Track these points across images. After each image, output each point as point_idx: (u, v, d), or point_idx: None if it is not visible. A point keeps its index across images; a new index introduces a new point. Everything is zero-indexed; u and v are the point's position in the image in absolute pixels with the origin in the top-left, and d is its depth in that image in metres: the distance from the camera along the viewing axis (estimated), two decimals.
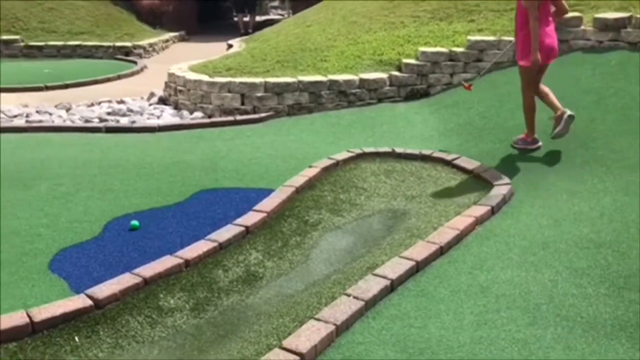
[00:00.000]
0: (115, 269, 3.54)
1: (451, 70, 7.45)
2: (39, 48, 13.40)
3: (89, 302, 3.08)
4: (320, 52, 8.04)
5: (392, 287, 3.32)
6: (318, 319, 2.93)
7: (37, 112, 7.93)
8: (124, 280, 3.29)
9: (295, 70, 7.63)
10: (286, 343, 2.73)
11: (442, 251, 3.73)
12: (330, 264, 3.84)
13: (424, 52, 7.48)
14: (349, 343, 2.85)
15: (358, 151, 5.52)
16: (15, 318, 2.89)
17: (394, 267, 3.46)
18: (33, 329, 2.88)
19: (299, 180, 4.80)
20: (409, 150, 5.62)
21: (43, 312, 2.96)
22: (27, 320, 2.89)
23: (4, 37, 13.44)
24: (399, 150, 5.63)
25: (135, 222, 4.10)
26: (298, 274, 3.72)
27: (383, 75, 7.41)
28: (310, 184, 4.82)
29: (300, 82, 7.21)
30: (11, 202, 4.51)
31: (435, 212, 4.45)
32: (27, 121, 7.39)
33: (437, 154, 5.52)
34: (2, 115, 7.76)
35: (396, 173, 5.25)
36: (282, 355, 2.63)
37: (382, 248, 3.93)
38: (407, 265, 3.48)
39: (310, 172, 4.96)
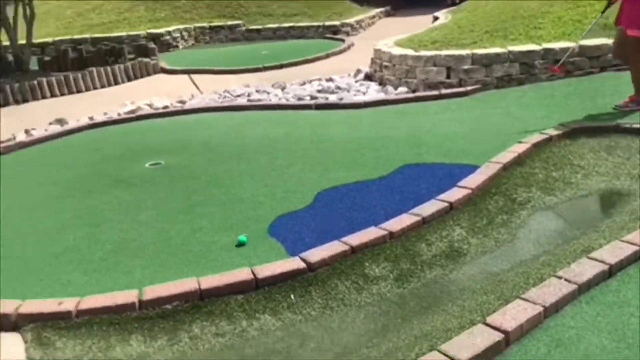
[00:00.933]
0: (324, 236, 3.77)
1: None
2: (258, 31, 14.64)
3: (303, 265, 3.34)
4: (533, 19, 7.56)
5: (610, 272, 3.05)
6: (525, 299, 2.83)
7: (257, 91, 8.71)
8: (333, 247, 3.50)
9: (505, 40, 7.28)
10: (490, 320, 2.68)
11: None
12: (539, 244, 3.65)
13: None
14: (558, 326, 2.71)
15: (575, 125, 5.12)
16: (243, 273, 3.27)
17: (614, 252, 3.17)
18: (256, 284, 3.23)
19: (507, 156, 4.61)
20: (636, 124, 5.05)
21: (265, 270, 3.30)
22: (252, 276, 3.25)
23: (229, 22, 14.92)
24: (624, 124, 5.09)
25: (243, 238, 3.79)
26: (504, 253, 3.62)
27: (608, 41, 6.72)
28: (519, 161, 4.60)
29: (510, 52, 6.87)
30: (237, 173, 5.05)
31: None
32: (248, 100, 8.17)
33: None
34: (228, 95, 8.68)
35: (620, 149, 4.77)
36: (486, 332, 2.59)
37: (599, 231, 3.62)
38: (630, 250, 3.17)
39: (520, 148, 4.73)
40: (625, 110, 5.45)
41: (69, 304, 3.08)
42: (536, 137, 4.91)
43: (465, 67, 7.03)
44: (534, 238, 3.75)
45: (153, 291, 3.15)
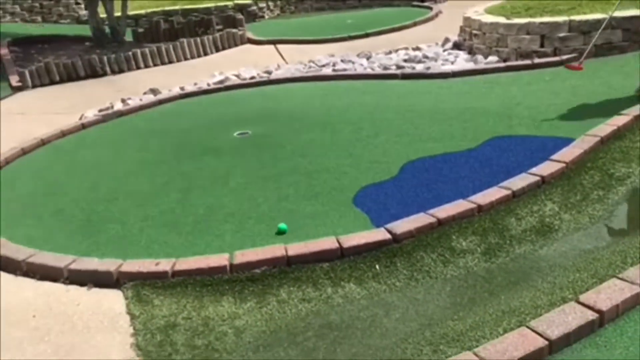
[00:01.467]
0: (410, 207, 3.75)
1: None
2: (343, 0, 14.47)
3: (388, 236, 3.35)
4: None
5: None
6: (621, 279, 2.71)
7: (342, 61, 8.67)
8: (419, 219, 3.48)
9: (607, 4, 6.82)
10: (583, 298, 2.59)
11: None
12: (638, 222, 3.46)
13: None
14: None
15: None
16: (328, 242, 3.32)
17: None
18: (342, 253, 3.27)
19: (604, 129, 4.37)
20: None
21: (350, 240, 3.33)
22: (337, 245, 3.29)
23: None
24: None
25: (283, 226, 3.65)
26: (599, 230, 3.46)
27: None
28: (618, 134, 4.35)
29: (612, 18, 6.43)
30: (322, 143, 5.09)
31: None
32: (333, 70, 8.15)
33: None
34: (313, 65, 8.70)
35: None
36: (579, 310, 2.51)
37: None
38: None
39: (620, 121, 4.46)
40: None
41: (165, 265, 3.26)
42: (638, 109, 4.61)
43: (561, 34, 6.67)
44: (632, 216, 3.56)
45: (243, 256, 3.27)
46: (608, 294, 2.61)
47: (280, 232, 3.62)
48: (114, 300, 3.14)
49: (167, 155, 5.30)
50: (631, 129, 4.42)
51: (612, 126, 4.40)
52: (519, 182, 3.82)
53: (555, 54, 6.71)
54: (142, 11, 14.40)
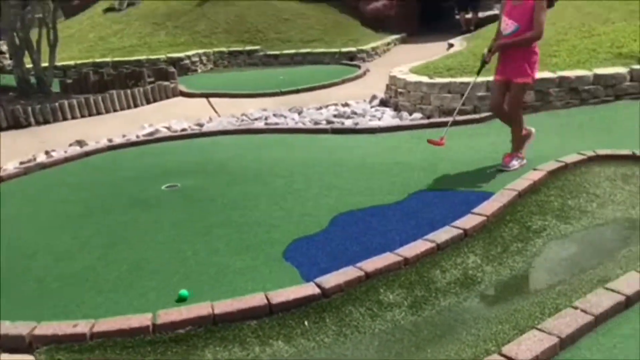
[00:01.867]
0: (339, 261, 3.76)
1: None
2: (275, 57, 14.79)
3: (318, 291, 3.34)
4: (549, 47, 7.59)
5: (627, 304, 3.02)
6: (540, 329, 2.81)
7: (274, 115, 8.80)
8: (348, 273, 3.50)
9: None
10: (505, 350, 2.67)
11: None
12: (554, 273, 3.63)
13: None
14: (574, 358, 2.68)
15: (590, 154, 5.10)
16: (257, 299, 3.27)
17: (630, 282, 3.14)
18: (270, 310, 3.23)
19: (522, 183, 4.60)
20: None
21: (279, 296, 3.29)
22: (266, 302, 3.24)
23: (247, 47, 15.11)
24: None
25: (184, 292, 3.46)
26: (519, 282, 3.60)
27: (622, 70, 6.74)
28: (534, 188, 4.59)
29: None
30: (254, 196, 5.08)
31: None
32: (266, 124, 8.25)
33: None
34: (245, 118, 8.77)
35: (636, 178, 4.74)
36: None
37: (616, 261, 3.59)
38: None
39: (535, 176, 4.71)
40: (515, 169, 5.06)
41: (83, 327, 3.11)
42: (551, 165, 4.90)
43: (480, 94, 7.05)
44: (549, 267, 3.72)
45: (167, 315, 3.17)
46: (528, 345, 2.69)
47: (181, 299, 3.40)
48: None
49: (92, 209, 5.12)
50: (545, 184, 4.67)
51: (529, 180, 4.64)
52: (443, 234, 3.93)
53: (475, 112, 7.07)
54: (72, 62, 14.13)
